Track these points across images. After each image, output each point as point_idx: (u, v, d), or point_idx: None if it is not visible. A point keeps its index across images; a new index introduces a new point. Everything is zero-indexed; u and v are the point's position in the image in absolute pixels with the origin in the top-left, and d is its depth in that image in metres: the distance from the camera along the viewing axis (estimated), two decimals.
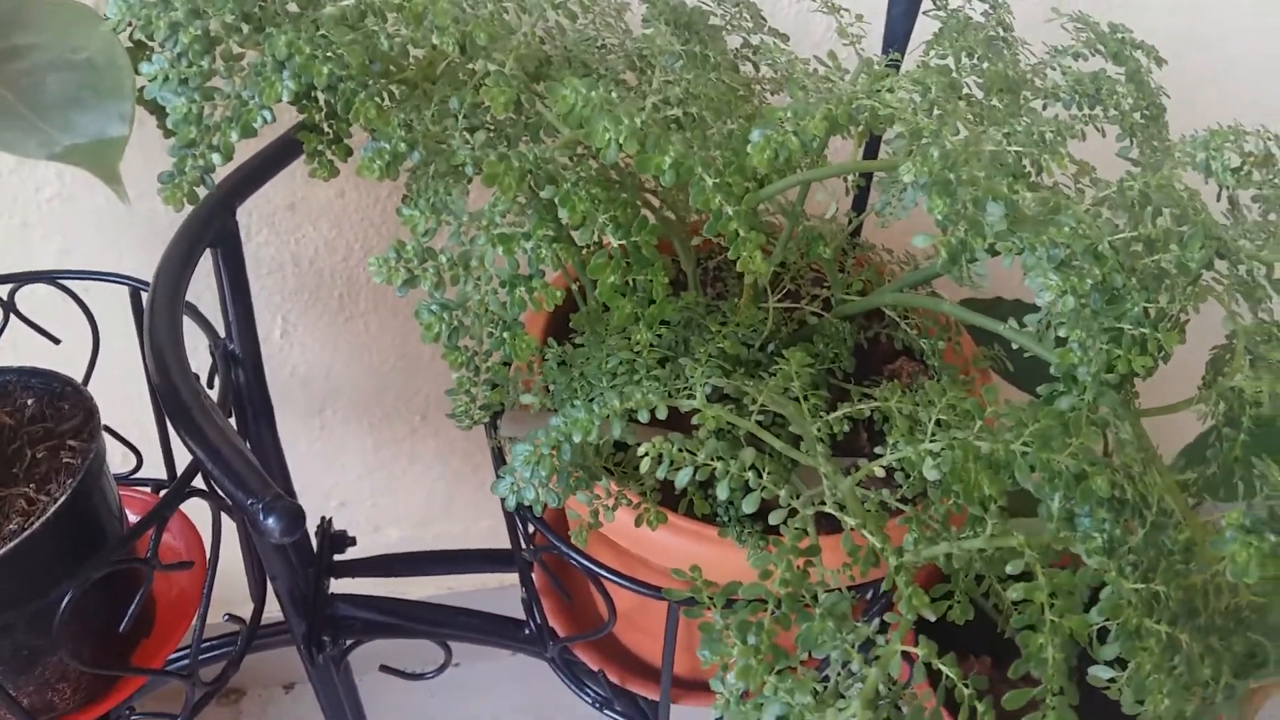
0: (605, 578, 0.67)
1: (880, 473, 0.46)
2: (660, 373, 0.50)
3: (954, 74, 0.57)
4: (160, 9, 0.45)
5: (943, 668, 0.39)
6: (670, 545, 0.63)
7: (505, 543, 0.81)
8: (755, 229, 0.44)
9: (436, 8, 0.46)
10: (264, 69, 0.46)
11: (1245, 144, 0.65)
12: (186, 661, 0.74)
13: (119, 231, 0.95)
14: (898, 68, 0.65)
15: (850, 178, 0.66)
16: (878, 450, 0.47)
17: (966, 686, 0.39)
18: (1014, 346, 0.59)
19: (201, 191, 0.46)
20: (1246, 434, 0.50)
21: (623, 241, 0.45)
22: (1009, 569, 0.40)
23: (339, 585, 0.91)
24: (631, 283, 0.46)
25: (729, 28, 0.66)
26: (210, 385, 0.78)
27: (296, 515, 0.52)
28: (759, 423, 0.48)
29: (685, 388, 0.49)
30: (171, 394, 0.58)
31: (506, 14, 0.56)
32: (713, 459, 0.42)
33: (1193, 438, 0.78)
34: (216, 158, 0.45)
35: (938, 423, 0.45)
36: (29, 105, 0.44)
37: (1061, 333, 0.49)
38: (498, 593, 1.38)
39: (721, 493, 0.42)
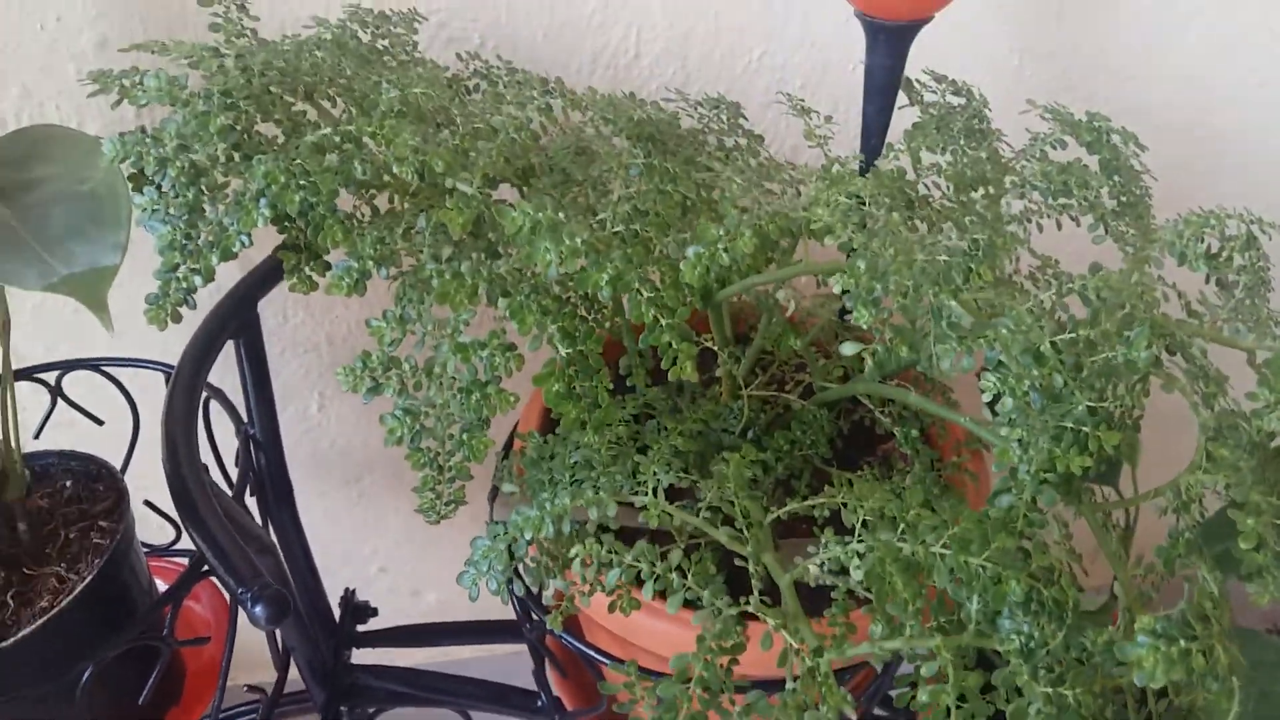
0: (599, 660, 0.69)
1: (815, 571, 0.48)
2: (616, 469, 0.53)
3: (908, 176, 0.59)
4: (150, 145, 0.50)
5: None
6: (656, 630, 0.65)
7: None
8: (687, 340, 0.46)
9: (398, 140, 0.50)
10: (244, 198, 0.50)
11: (1227, 228, 0.66)
12: None
13: None
14: (867, 167, 0.67)
15: None
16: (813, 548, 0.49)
17: None
18: None
19: (185, 311, 0.50)
20: (1190, 531, 0.50)
21: (568, 350, 0.48)
22: (923, 671, 0.41)
23: (364, 655, 0.94)
24: (579, 389, 0.49)
25: (705, 130, 0.69)
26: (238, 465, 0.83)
27: (282, 604, 0.56)
28: (708, 519, 0.50)
29: (640, 484, 0.52)
30: (178, 483, 0.62)
31: (500, 113, 0.60)
32: (639, 561, 0.45)
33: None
34: (198, 279, 0.50)
35: (864, 524, 0.46)
36: (35, 237, 0.49)
37: (1002, 432, 0.51)
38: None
39: (646, 594, 0.44)
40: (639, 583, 0.48)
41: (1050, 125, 0.73)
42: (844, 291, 0.47)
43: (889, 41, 0.70)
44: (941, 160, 0.67)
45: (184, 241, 0.49)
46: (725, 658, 0.43)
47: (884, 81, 0.72)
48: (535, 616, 0.75)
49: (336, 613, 0.94)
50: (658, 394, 0.60)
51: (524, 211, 0.48)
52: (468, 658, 1.41)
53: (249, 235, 0.50)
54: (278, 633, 0.84)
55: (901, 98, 0.73)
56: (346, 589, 0.94)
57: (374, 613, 0.93)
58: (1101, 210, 0.67)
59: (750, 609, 0.45)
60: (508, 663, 1.03)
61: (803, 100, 0.69)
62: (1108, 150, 0.71)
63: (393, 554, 1.30)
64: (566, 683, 0.86)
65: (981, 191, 0.68)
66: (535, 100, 0.57)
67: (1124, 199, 0.70)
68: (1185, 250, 0.64)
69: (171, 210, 0.50)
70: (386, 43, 0.67)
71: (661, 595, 0.49)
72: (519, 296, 0.49)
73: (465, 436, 0.51)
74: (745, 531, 0.49)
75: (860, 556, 0.45)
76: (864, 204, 0.50)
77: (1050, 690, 0.41)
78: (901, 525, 0.46)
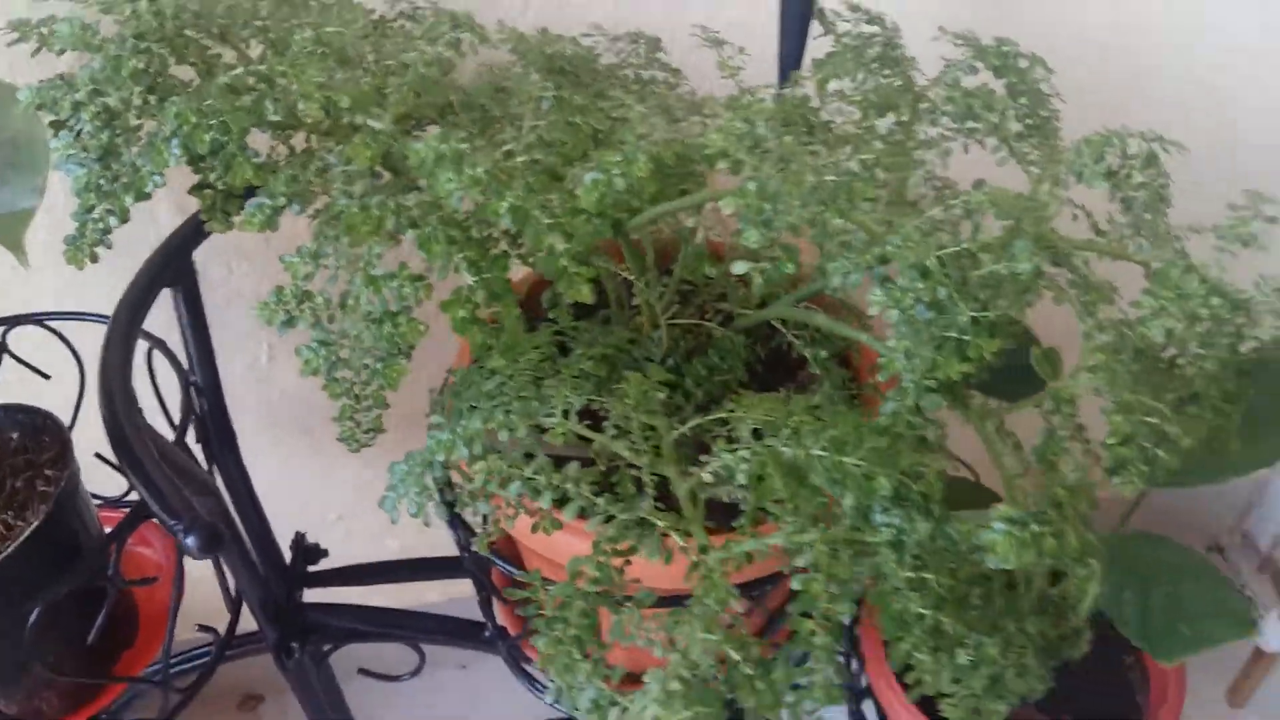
0: (528, 582, 0.72)
1: (708, 477, 0.51)
2: (530, 394, 0.55)
3: (813, 104, 0.61)
4: (64, 90, 0.52)
5: (729, 651, 0.43)
6: (578, 550, 0.68)
7: None
8: (584, 264, 0.48)
9: (304, 78, 0.51)
10: (156, 139, 0.52)
11: (1129, 146, 0.68)
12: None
13: (108, 273, 1.02)
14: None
15: None
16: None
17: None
18: None
19: (102, 251, 0.52)
20: (1064, 429, 0.53)
21: (475, 278, 0.51)
22: (798, 561, 0.44)
23: (320, 597, 0.97)
24: (485, 316, 0.51)
25: (624, 65, 0.70)
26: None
27: (213, 533, 0.58)
28: (614, 435, 0.52)
29: (552, 408, 0.54)
30: (114, 426, 0.64)
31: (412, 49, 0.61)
32: (538, 474, 0.47)
33: None
34: (114, 220, 0.51)
35: (754, 432, 0.49)
36: None
37: (889, 344, 0.53)
38: None
39: (544, 502, 0.47)
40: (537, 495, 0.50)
41: (963, 51, 0.75)
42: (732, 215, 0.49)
43: None
44: (845, 87, 0.69)
45: (99, 183, 0.51)
46: (619, 560, 0.46)
47: (798, 13, 0.74)
48: (473, 547, 0.78)
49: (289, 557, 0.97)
50: (578, 325, 0.62)
51: (429, 144, 0.50)
52: (431, 601, 1.44)
53: (161, 175, 0.52)
54: (228, 574, 0.87)
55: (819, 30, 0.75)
56: (298, 532, 0.97)
57: (324, 554, 0.96)
58: (1005, 133, 0.70)
59: (645, 515, 0.48)
60: (461, 608, 1.06)
61: (718, 33, 0.70)
62: (1014, 74, 0.73)
63: (351, 501, 1.32)
64: (510, 610, 0.89)
65: (893, 118, 0.70)
66: (445, 35, 0.59)
67: (1030, 121, 0.72)
68: (1084, 169, 0.66)
69: (88, 153, 0.51)
70: None
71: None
72: (427, 228, 0.51)
73: (380, 366, 0.53)
74: (643, 444, 0.51)
75: (746, 461, 0.48)
76: (758, 128, 0.52)
77: (912, 574, 0.44)
78: (787, 432, 0.48)
